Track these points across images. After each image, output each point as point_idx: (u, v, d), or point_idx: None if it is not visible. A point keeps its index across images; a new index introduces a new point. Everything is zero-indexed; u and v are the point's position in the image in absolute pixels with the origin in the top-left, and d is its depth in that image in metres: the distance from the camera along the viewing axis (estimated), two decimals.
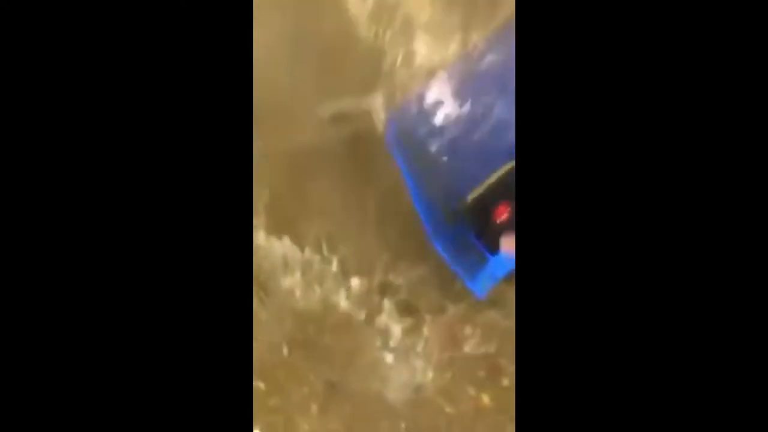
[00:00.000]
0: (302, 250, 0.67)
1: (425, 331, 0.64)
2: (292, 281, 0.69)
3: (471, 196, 0.65)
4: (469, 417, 0.63)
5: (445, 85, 0.68)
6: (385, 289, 0.67)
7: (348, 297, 0.68)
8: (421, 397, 0.65)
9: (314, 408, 0.68)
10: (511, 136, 0.62)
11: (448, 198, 0.65)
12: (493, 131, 0.64)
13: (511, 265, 0.62)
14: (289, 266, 0.67)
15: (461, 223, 0.65)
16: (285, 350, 0.69)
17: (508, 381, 0.63)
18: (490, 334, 0.63)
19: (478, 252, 0.63)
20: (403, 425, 0.66)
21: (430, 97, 0.68)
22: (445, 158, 0.65)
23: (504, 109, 0.63)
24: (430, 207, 0.64)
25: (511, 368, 0.65)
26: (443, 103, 0.68)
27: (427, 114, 0.68)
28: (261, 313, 0.67)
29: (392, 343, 0.67)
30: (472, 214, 0.64)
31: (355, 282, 0.67)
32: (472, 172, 0.64)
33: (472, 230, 0.64)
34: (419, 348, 0.64)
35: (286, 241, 0.67)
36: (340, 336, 0.69)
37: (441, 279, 0.66)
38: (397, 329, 0.67)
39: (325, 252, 0.67)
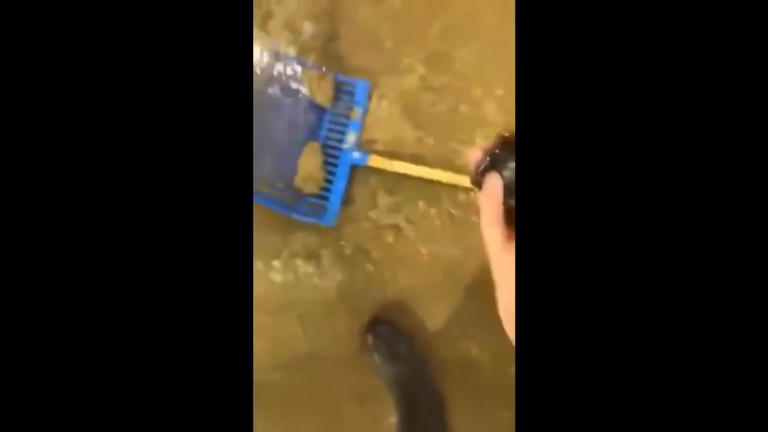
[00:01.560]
0: None
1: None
2: None
3: (296, 181, 0.88)
4: None
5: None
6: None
7: None
8: None
9: None
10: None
11: (281, 188, 0.88)
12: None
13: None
14: None
15: (297, 195, 0.89)
16: None
17: None
18: None
19: (320, 203, 0.89)
20: None
21: None
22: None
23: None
24: (274, 203, 0.87)
25: None
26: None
27: None
28: None
29: None
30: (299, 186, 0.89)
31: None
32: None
33: (305, 195, 0.89)
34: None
35: None
36: None
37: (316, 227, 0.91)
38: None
39: None
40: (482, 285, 0.91)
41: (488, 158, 0.32)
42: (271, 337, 0.90)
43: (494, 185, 0.30)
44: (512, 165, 0.31)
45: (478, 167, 0.32)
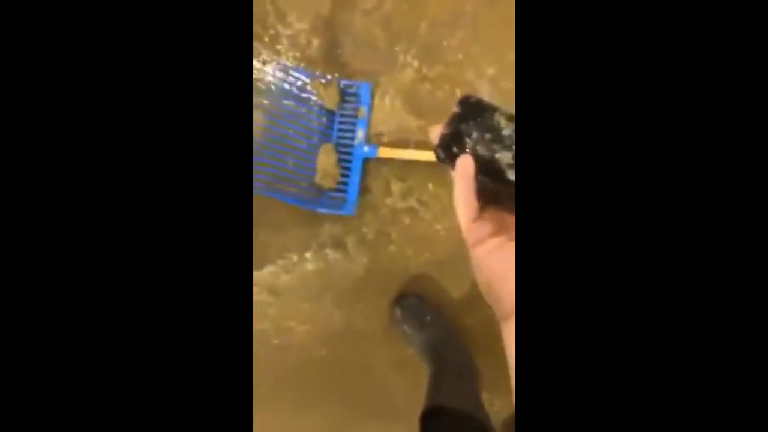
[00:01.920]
0: None
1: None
2: None
3: (316, 179, 0.98)
4: None
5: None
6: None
7: None
8: None
9: None
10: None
11: (304, 186, 0.98)
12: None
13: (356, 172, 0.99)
14: None
15: (319, 192, 0.99)
16: None
17: None
18: None
19: (340, 196, 0.99)
20: None
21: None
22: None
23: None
24: (299, 200, 0.97)
25: None
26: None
27: None
28: None
29: None
30: (321, 185, 0.98)
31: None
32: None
33: (326, 190, 0.99)
34: None
35: None
36: None
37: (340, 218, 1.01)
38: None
39: None
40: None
41: (451, 129, 0.31)
42: (312, 321, 1.01)
43: (466, 164, 0.29)
44: (475, 133, 0.30)
45: (442, 141, 0.31)
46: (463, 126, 0.30)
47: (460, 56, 1.01)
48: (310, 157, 0.99)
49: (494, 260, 0.28)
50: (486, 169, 0.29)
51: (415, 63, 1.03)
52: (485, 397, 0.89)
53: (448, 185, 0.99)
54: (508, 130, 0.30)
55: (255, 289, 1.01)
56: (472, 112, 0.31)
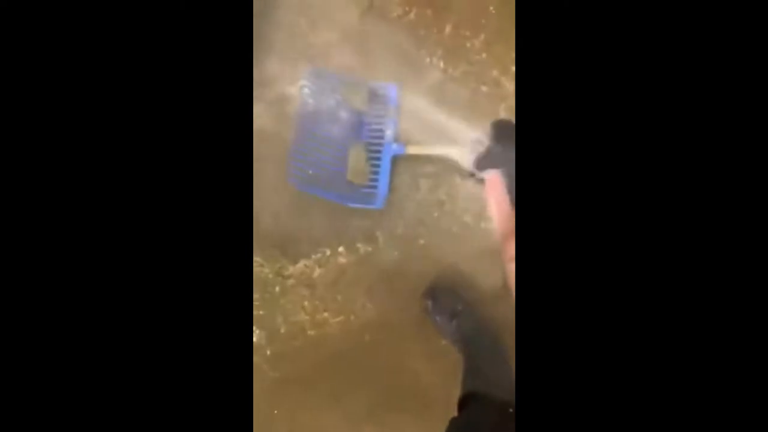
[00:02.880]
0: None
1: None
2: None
3: (348, 176, 1.02)
4: None
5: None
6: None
7: None
8: None
9: None
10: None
11: (337, 182, 1.03)
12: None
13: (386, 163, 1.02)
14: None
15: (351, 187, 1.03)
16: None
17: None
18: None
19: (371, 192, 1.02)
20: None
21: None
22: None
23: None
24: (332, 195, 1.02)
25: None
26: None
27: None
28: None
29: None
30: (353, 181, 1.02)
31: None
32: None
33: (359, 186, 1.02)
34: None
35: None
36: None
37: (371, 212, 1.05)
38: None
39: None
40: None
41: (483, 152, 0.33)
42: (345, 313, 1.04)
43: (495, 182, 0.31)
44: (510, 154, 0.31)
45: (477, 162, 0.33)
46: (494, 147, 0.32)
47: (484, 55, 1.05)
48: (342, 155, 1.04)
49: None
50: (512, 186, 0.32)
51: (441, 64, 1.08)
52: None
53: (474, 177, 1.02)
54: None
55: (290, 282, 1.05)
56: (503, 134, 0.32)
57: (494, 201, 0.31)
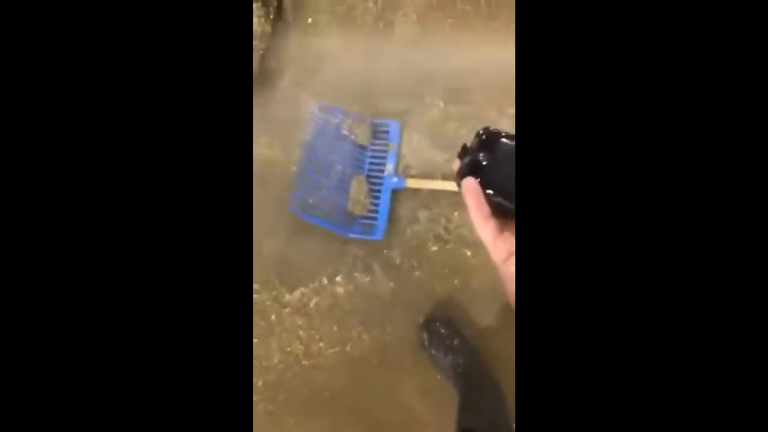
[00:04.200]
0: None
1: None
2: None
3: (348, 206, 1.06)
4: None
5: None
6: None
7: None
8: None
9: None
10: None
11: (337, 213, 1.06)
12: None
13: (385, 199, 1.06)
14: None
15: (351, 218, 1.06)
16: None
17: None
18: None
19: (371, 223, 1.05)
20: None
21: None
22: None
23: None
24: (332, 224, 1.05)
25: None
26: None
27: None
28: None
29: None
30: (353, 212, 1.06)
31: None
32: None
33: (359, 217, 1.06)
34: None
35: None
36: None
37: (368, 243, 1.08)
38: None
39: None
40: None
41: (468, 159, 0.32)
42: (341, 343, 1.03)
43: (469, 185, 0.30)
44: (490, 159, 0.31)
45: (460, 171, 0.32)
46: (479, 155, 0.32)
47: (483, 97, 1.10)
48: (344, 186, 1.07)
49: None
50: (503, 191, 0.31)
51: (441, 103, 1.13)
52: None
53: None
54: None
55: (287, 311, 1.05)
56: (488, 141, 0.32)
57: (470, 205, 0.31)
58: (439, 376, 0.97)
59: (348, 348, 1.02)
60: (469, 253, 1.03)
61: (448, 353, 0.93)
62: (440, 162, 1.10)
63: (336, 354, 1.02)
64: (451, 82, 1.14)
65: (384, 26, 1.22)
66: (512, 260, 0.29)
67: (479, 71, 1.12)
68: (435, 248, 1.05)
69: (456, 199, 1.05)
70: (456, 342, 0.95)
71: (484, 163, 0.32)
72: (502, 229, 0.31)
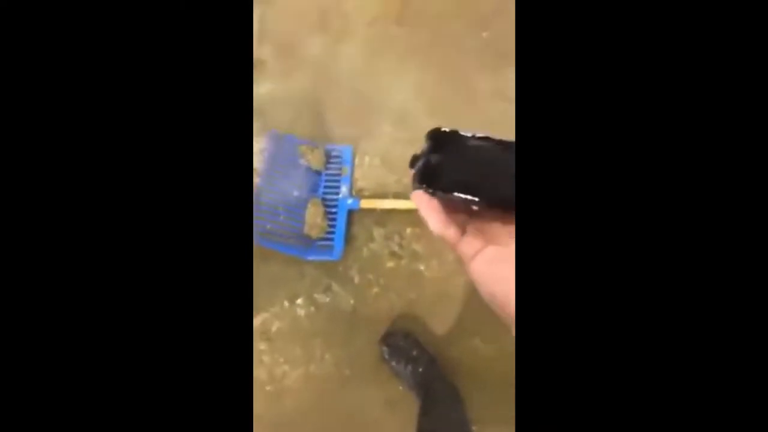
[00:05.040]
0: None
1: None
2: None
3: (305, 230, 1.08)
4: None
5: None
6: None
7: None
8: None
9: None
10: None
11: (294, 237, 1.08)
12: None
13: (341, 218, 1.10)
14: None
15: (308, 241, 1.09)
16: None
17: None
18: None
19: (328, 244, 1.09)
20: None
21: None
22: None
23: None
24: (290, 248, 1.07)
25: None
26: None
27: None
28: None
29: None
30: (310, 235, 1.09)
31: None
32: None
33: (316, 240, 1.09)
34: None
35: None
36: None
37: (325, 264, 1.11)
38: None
39: None
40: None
41: (422, 163, 0.32)
42: (304, 364, 1.04)
43: (417, 198, 0.30)
44: (446, 160, 0.31)
45: (416, 176, 0.32)
46: (433, 157, 0.31)
47: (427, 122, 1.19)
48: (300, 210, 1.11)
49: (494, 268, 0.28)
50: (462, 189, 0.30)
51: (390, 128, 1.20)
52: (474, 428, 0.92)
53: (424, 228, 1.10)
54: (476, 149, 0.31)
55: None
56: (438, 142, 0.32)
57: (425, 217, 0.30)
58: (401, 388, 1.00)
59: (312, 368, 1.04)
60: (422, 267, 1.09)
61: (408, 363, 0.97)
62: (391, 182, 1.16)
63: (300, 376, 1.03)
64: (398, 107, 1.22)
65: (332, 59, 1.29)
66: (480, 258, 0.29)
67: (422, 96, 1.21)
68: (391, 264, 1.10)
69: (408, 216, 1.12)
70: (414, 353, 0.99)
71: (438, 164, 0.31)
72: (464, 229, 0.30)
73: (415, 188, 0.31)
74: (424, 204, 0.31)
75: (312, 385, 1.03)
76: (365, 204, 1.12)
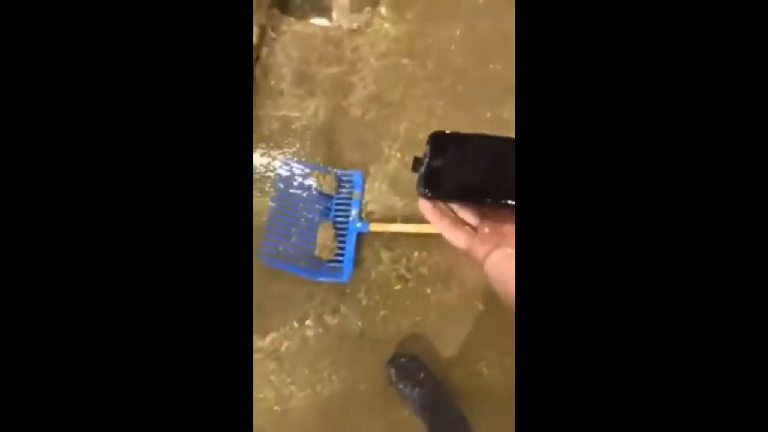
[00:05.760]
0: None
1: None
2: None
3: (316, 252, 1.11)
4: None
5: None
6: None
7: None
8: None
9: None
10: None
11: (305, 258, 1.11)
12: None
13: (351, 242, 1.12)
14: None
15: (319, 263, 1.11)
16: None
17: None
18: None
19: (337, 266, 1.11)
20: None
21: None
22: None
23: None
24: (301, 270, 1.10)
25: None
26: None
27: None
28: None
29: None
30: (320, 257, 1.11)
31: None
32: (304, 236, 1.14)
33: (326, 262, 1.11)
34: None
35: None
36: None
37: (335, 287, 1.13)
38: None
39: None
40: (482, 311, 1.07)
41: (426, 168, 0.31)
42: (311, 385, 1.06)
43: (424, 207, 0.31)
44: (449, 163, 0.30)
45: (420, 180, 0.31)
46: (435, 161, 0.31)
47: None
48: (311, 233, 1.15)
49: (506, 267, 0.28)
50: (465, 193, 0.30)
51: (398, 154, 1.25)
52: None
53: (432, 250, 1.13)
54: (478, 149, 0.31)
55: (258, 357, 1.08)
56: (439, 145, 0.31)
57: (433, 223, 0.30)
58: (406, 412, 1.01)
59: (319, 389, 1.05)
60: (429, 290, 1.11)
61: (415, 387, 0.98)
62: (399, 206, 1.20)
63: (307, 397, 1.04)
64: (406, 134, 1.27)
65: (344, 89, 1.36)
66: (492, 258, 0.28)
67: (429, 124, 1.26)
68: (398, 287, 1.12)
69: (416, 240, 1.14)
70: (422, 375, 1.00)
71: (440, 168, 0.30)
72: (478, 229, 0.30)
73: (418, 193, 0.31)
74: (429, 212, 0.31)
75: (318, 406, 1.03)
76: (374, 227, 1.15)
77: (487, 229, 0.30)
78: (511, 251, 0.28)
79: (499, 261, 0.29)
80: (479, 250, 0.29)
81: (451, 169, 0.30)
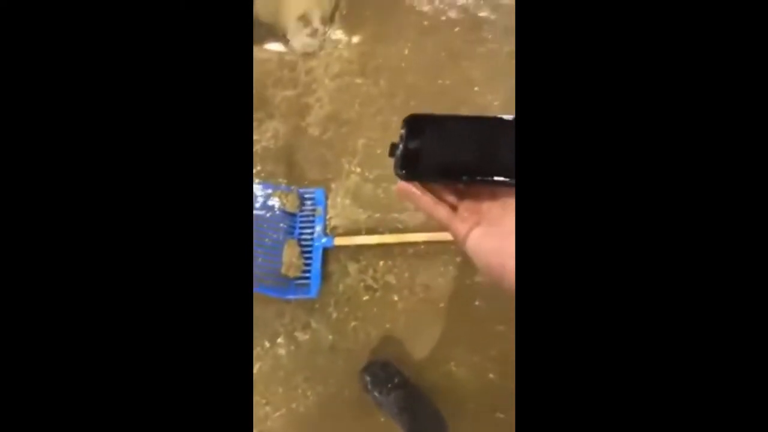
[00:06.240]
0: None
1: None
2: None
3: (282, 270, 1.12)
4: None
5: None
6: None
7: None
8: None
9: None
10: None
11: (272, 277, 1.12)
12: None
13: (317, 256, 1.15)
14: None
15: (286, 281, 1.12)
16: None
17: None
18: None
19: (305, 283, 1.13)
20: None
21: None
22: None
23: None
24: (269, 289, 1.10)
25: None
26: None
27: None
28: None
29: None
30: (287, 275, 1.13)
31: None
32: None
33: (293, 279, 1.13)
34: None
35: None
36: None
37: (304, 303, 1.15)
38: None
39: None
40: (448, 313, 1.11)
41: (403, 150, 0.31)
42: (286, 404, 1.06)
43: (401, 191, 0.31)
44: (427, 144, 0.30)
45: (397, 163, 0.31)
46: (411, 143, 0.31)
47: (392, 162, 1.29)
48: (277, 252, 1.16)
49: (489, 239, 0.29)
50: (442, 172, 0.30)
51: (358, 169, 1.29)
52: None
53: (396, 258, 1.17)
54: (453, 129, 0.31)
55: None
56: (418, 127, 0.31)
57: (414, 204, 0.31)
58: (382, 419, 1.02)
59: (294, 406, 1.05)
60: (396, 298, 1.14)
61: (391, 392, 1.00)
62: (363, 219, 1.23)
63: (282, 416, 1.04)
64: (364, 150, 1.32)
65: (302, 110, 1.40)
66: (473, 235, 0.29)
67: (386, 139, 1.31)
68: (366, 297, 1.15)
69: (380, 250, 1.18)
70: (396, 380, 1.02)
71: (416, 149, 0.31)
72: (456, 207, 0.30)
73: (396, 174, 0.31)
74: (408, 195, 0.31)
75: (295, 424, 1.03)
76: (339, 241, 1.18)
77: (465, 208, 0.31)
78: (490, 228, 0.29)
79: (479, 239, 0.29)
80: (460, 228, 0.30)
81: (427, 149, 0.31)
